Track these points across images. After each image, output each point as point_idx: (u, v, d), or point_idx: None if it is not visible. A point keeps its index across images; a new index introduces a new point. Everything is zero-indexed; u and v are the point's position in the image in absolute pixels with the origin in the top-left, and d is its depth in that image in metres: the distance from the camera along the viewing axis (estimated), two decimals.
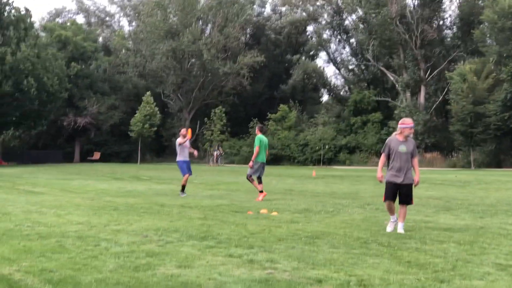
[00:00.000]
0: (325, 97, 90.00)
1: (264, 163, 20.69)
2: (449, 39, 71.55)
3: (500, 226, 13.72)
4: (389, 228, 12.71)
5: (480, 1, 64.32)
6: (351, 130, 69.87)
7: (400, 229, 12.48)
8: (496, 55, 58.38)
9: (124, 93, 78.46)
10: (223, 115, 71.47)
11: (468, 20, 66.32)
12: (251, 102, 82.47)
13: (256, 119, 73.36)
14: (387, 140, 12.87)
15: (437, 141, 64.26)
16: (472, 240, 11.37)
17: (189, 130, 23.01)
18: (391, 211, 12.82)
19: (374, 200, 20.34)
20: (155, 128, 69.16)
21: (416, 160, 12.78)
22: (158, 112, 69.53)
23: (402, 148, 12.56)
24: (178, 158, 22.77)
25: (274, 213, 15.87)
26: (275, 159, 66.07)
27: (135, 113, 68.79)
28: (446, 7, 70.65)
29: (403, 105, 65.47)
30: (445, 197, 21.58)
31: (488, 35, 61.77)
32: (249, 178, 20.50)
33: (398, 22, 65.68)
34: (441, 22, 71.26)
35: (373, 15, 67.52)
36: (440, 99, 65.33)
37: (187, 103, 77.57)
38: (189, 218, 14.41)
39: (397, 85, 68.66)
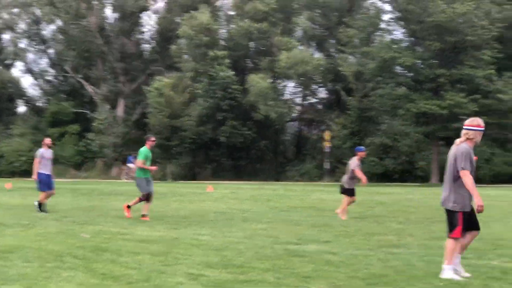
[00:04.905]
0: (22, 108, 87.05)
1: None
2: (148, 53, 72.64)
3: (193, 236, 14.16)
4: (465, 274, 9.57)
5: (177, 18, 65.97)
6: None
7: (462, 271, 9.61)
8: (192, 71, 60.36)
9: None
10: None
11: (166, 35, 67.74)
12: None
13: None
14: (465, 151, 9.38)
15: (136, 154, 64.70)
16: (167, 251, 11.62)
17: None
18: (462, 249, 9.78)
19: (71, 213, 20.09)
20: None
21: None
22: None
23: (475, 160, 9.60)
24: (40, 171, 20.81)
25: None
26: None
27: None
28: (145, 21, 71.52)
29: (101, 117, 65.27)
30: (141, 210, 21.83)
31: (185, 51, 63.66)
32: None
33: (97, 34, 65.49)
34: (140, 36, 72.13)
35: (73, 26, 66.74)
36: (138, 112, 66.02)
37: None
38: None
39: (96, 97, 68.37)
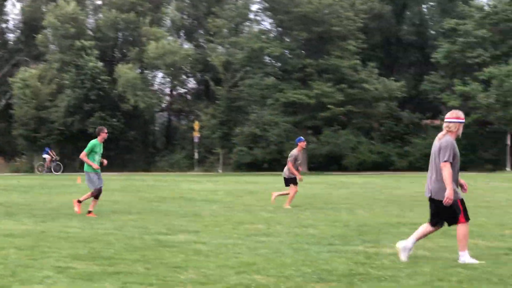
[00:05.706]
0: None
1: None
2: (12, 43, 70.71)
3: (61, 229, 13.92)
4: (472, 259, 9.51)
5: (43, 7, 64.45)
6: None
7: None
8: (59, 62, 59.16)
9: None
10: None
11: (31, 24, 66.05)
12: None
13: None
14: (448, 143, 9.49)
15: (0, 146, 63.11)
16: (33, 245, 11.39)
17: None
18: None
19: None
20: None
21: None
22: None
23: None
24: None
25: None
26: None
27: None
28: (9, 10, 69.57)
29: None
30: (6, 202, 21.28)
31: (51, 41, 62.28)
32: None
33: None
34: (4, 25, 70.09)
35: None
36: (3, 103, 64.26)
37: None
38: None
39: None
